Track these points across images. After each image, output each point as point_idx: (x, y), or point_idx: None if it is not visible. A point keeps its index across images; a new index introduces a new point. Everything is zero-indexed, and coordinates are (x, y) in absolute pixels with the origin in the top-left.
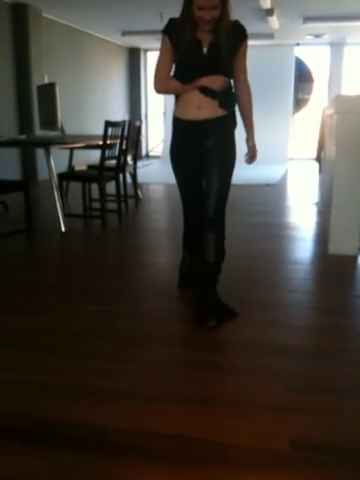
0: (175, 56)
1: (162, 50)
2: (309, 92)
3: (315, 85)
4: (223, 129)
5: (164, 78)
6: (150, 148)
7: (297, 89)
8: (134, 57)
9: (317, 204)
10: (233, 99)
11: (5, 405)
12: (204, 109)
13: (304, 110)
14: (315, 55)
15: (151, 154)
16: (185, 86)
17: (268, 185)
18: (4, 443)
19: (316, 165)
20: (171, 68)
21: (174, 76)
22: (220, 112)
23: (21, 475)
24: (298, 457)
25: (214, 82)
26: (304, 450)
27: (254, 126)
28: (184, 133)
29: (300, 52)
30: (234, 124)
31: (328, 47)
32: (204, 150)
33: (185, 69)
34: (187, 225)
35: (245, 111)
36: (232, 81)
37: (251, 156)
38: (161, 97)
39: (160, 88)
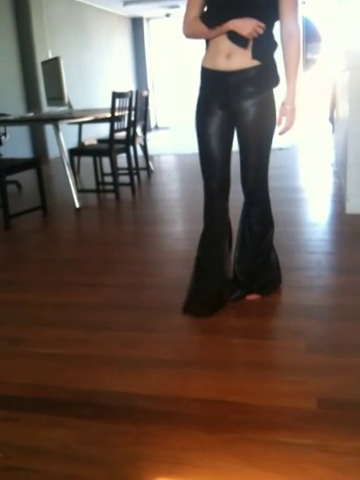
0: None
1: None
2: (317, 52)
3: (323, 45)
4: (258, 84)
5: (190, 20)
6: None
7: (305, 49)
8: (137, 27)
9: (333, 165)
10: (271, 48)
11: (34, 379)
12: (234, 58)
13: (312, 71)
14: (321, 13)
15: (160, 125)
16: (211, 31)
17: (281, 149)
18: (35, 416)
19: (328, 126)
20: (202, 8)
21: (202, 17)
22: (253, 62)
23: (53, 445)
24: (325, 415)
25: (243, 27)
26: (330, 408)
27: (296, 85)
28: (212, 87)
29: (306, 11)
30: (275, 79)
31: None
32: (237, 112)
33: (214, 8)
34: (207, 197)
35: (287, 62)
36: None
37: (286, 124)
38: (167, 66)
39: (185, 31)
